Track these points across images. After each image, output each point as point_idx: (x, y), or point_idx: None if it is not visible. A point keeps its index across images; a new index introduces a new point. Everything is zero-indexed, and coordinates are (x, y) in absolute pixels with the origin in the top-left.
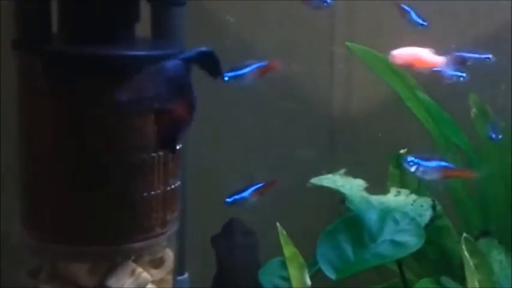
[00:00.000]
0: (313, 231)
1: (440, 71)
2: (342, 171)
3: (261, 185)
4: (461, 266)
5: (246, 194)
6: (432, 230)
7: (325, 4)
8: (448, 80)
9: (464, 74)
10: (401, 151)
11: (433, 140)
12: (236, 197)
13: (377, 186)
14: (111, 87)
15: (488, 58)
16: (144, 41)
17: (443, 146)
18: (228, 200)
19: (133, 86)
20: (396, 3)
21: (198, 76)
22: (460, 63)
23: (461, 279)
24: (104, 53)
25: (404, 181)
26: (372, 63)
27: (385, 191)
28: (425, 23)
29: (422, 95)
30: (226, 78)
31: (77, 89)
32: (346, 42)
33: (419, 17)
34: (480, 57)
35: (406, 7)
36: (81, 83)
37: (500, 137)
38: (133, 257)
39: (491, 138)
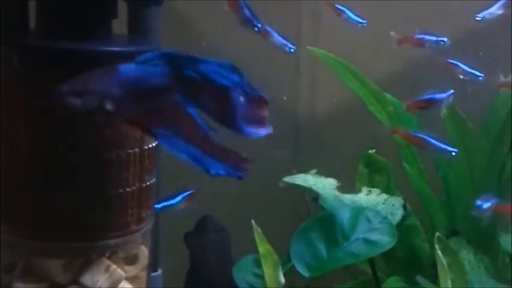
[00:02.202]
0: (279, 230)
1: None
2: (314, 170)
3: (189, 192)
4: (431, 265)
5: (175, 201)
6: (401, 229)
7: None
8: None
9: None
10: (370, 151)
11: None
12: (166, 203)
13: (342, 186)
14: None
15: (442, 41)
16: (120, 37)
17: (404, 147)
18: (157, 206)
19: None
20: (328, 3)
21: None
22: (419, 45)
23: (431, 277)
24: (79, 48)
25: (373, 180)
26: (334, 68)
27: (352, 190)
28: (363, 21)
29: (384, 98)
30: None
31: (52, 84)
32: (308, 46)
33: (356, 15)
34: (437, 40)
35: (340, 7)
36: (57, 78)
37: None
38: (108, 254)
39: (450, 152)
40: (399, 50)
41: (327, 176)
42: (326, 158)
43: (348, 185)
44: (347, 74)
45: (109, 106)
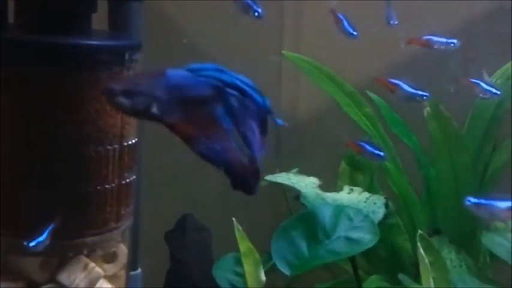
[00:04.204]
0: (260, 229)
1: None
2: (295, 169)
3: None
4: (412, 264)
5: (43, 237)
6: (382, 228)
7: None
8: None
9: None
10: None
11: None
12: (39, 239)
13: (323, 185)
14: (65, 77)
15: (452, 43)
16: (100, 32)
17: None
18: (31, 244)
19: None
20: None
21: None
22: (428, 46)
23: (412, 276)
24: (57, 42)
25: (355, 179)
26: (309, 72)
27: (332, 189)
28: (354, 33)
29: (360, 99)
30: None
31: (30, 79)
32: (283, 51)
33: (350, 26)
34: (447, 42)
35: (340, 15)
36: (35, 72)
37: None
38: (85, 252)
39: (379, 156)
40: (383, 49)
41: (309, 175)
42: (308, 157)
43: (329, 184)
44: (322, 77)
45: (155, 110)
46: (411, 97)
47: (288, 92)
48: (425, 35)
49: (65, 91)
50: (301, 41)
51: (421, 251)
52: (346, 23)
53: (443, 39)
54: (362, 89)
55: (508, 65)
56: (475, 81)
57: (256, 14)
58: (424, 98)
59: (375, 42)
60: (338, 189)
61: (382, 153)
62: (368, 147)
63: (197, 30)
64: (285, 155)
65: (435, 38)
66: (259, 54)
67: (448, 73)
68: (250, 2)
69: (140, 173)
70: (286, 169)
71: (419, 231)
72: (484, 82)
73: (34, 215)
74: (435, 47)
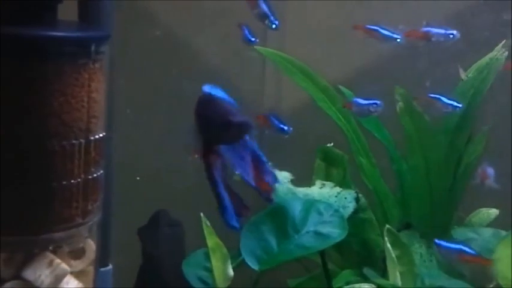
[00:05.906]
0: None
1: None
2: (269, 164)
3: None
4: (384, 258)
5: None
6: (355, 223)
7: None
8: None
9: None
10: (328, 145)
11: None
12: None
13: (302, 181)
14: (28, 69)
15: (452, 34)
16: (68, 23)
17: (356, 143)
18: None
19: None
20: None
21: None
22: (425, 39)
23: (383, 271)
24: (19, 32)
25: (330, 173)
26: (283, 66)
27: (310, 184)
28: (253, 39)
29: (333, 94)
30: None
31: None
32: (256, 47)
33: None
34: (445, 33)
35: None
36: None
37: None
38: (51, 248)
39: (283, 130)
40: (368, 43)
41: (290, 169)
42: (290, 153)
43: (308, 180)
44: (296, 71)
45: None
46: (366, 108)
47: (272, 88)
48: (424, 27)
49: (28, 84)
50: (286, 37)
51: (388, 245)
52: (247, 31)
53: (442, 31)
54: (345, 85)
55: (483, 59)
56: (435, 96)
57: (273, 26)
58: (376, 105)
59: (360, 37)
60: (312, 183)
61: (285, 127)
62: (275, 121)
63: (172, 22)
64: (267, 151)
65: (434, 30)
66: (242, 49)
67: (425, 67)
68: (268, 11)
69: (112, 169)
70: None
71: (387, 226)
72: (444, 96)
73: None
74: (433, 39)
